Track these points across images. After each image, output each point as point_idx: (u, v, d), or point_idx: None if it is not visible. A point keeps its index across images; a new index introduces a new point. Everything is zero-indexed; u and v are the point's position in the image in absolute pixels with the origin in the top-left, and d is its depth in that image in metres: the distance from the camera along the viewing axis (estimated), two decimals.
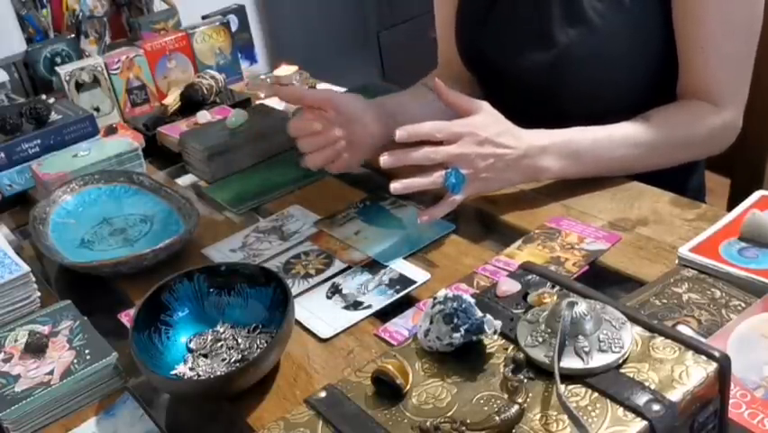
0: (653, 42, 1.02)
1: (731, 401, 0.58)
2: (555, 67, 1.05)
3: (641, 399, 0.52)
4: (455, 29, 1.21)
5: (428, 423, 0.53)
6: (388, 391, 0.58)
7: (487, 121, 0.93)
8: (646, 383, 0.53)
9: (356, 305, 0.87)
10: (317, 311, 0.87)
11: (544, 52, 1.05)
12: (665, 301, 0.74)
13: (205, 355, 0.81)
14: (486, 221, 1.00)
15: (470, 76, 1.22)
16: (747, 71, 1.02)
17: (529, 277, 0.68)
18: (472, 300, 0.61)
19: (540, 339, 0.58)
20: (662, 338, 0.57)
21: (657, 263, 0.84)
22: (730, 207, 1.01)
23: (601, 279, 0.84)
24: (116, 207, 1.13)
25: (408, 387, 0.58)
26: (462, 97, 0.95)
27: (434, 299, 0.62)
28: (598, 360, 0.55)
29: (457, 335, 0.59)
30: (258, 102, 1.49)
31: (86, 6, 1.78)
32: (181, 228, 1.04)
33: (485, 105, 0.94)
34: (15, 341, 0.85)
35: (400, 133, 0.89)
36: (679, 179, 1.10)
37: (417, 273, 0.90)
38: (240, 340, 0.82)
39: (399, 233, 0.99)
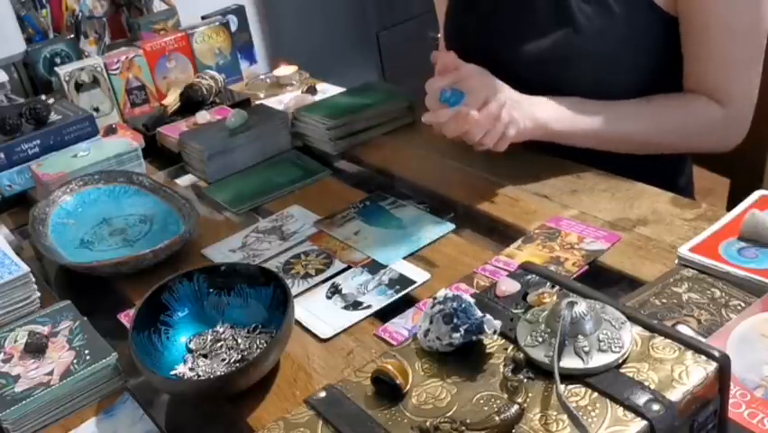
0: (645, 46, 1.03)
1: (731, 401, 0.58)
2: (548, 60, 1.05)
3: (641, 399, 0.52)
4: (444, 19, 1.22)
5: (428, 423, 0.53)
6: (388, 391, 0.58)
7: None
8: (646, 383, 0.53)
9: (356, 305, 0.87)
10: (317, 311, 0.87)
11: (537, 42, 1.06)
12: (665, 301, 0.74)
13: (205, 356, 0.81)
14: (486, 221, 1.00)
15: None
16: (754, 72, 1.02)
17: (529, 277, 0.68)
18: (472, 300, 0.61)
19: (540, 339, 0.58)
20: (662, 338, 0.57)
21: (657, 263, 0.84)
22: (730, 207, 1.00)
23: (601, 279, 0.84)
24: (116, 208, 1.13)
25: (408, 387, 0.58)
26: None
27: (434, 299, 0.62)
28: (597, 360, 0.55)
29: (457, 335, 0.59)
30: (258, 102, 1.49)
31: (85, 7, 1.78)
32: (181, 228, 1.04)
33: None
34: (15, 341, 0.85)
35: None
36: (667, 178, 1.10)
37: (417, 273, 0.90)
38: (240, 340, 0.81)
39: (399, 233, 0.99)
